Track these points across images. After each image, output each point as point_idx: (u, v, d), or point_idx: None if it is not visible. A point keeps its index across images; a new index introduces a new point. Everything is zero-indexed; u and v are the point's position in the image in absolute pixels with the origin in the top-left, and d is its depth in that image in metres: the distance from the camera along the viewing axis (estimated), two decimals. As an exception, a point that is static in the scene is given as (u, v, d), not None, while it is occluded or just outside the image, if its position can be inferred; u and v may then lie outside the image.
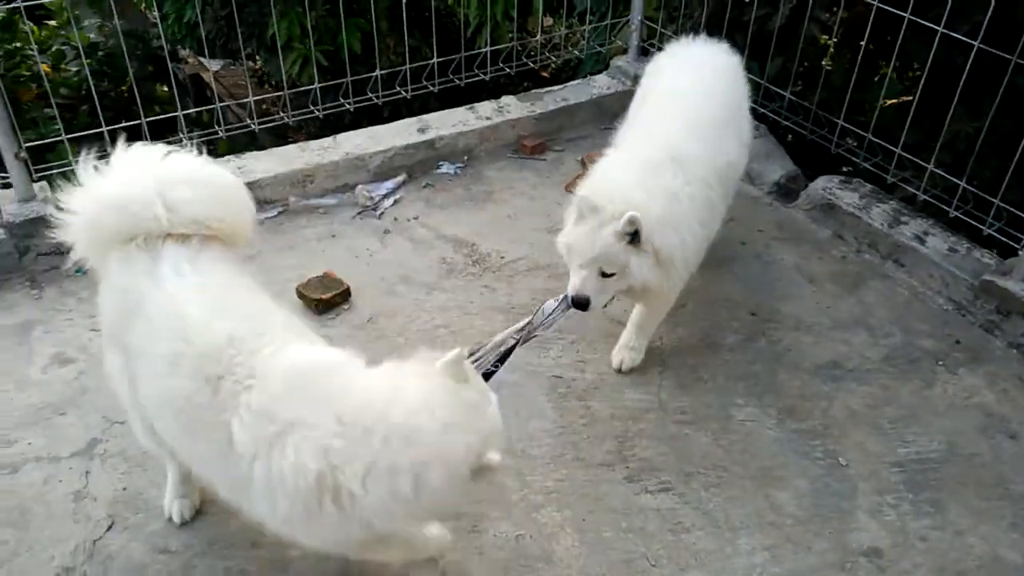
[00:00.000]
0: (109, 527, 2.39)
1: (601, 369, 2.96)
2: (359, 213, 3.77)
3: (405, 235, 3.64)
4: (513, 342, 2.38)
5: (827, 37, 4.15)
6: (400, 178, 3.94)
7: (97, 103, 3.58)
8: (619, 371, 2.95)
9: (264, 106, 4.33)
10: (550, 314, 2.52)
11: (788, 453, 2.66)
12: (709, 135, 2.76)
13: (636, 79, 4.44)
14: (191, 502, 2.41)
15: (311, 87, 3.99)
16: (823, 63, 4.30)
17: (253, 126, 3.89)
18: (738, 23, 4.11)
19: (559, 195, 3.84)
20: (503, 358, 2.33)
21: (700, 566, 2.33)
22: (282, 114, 3.99)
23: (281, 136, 5.54)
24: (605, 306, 2.71)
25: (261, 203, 3.72)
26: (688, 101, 2.88)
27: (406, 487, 1.69)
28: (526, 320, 2.47)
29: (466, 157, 4.11)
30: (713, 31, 4.10)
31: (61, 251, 3.29)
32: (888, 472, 2.59)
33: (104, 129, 3.44)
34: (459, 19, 5.16)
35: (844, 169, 4.10)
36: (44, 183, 3.40)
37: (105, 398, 2.62)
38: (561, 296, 2.55)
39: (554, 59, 4.81)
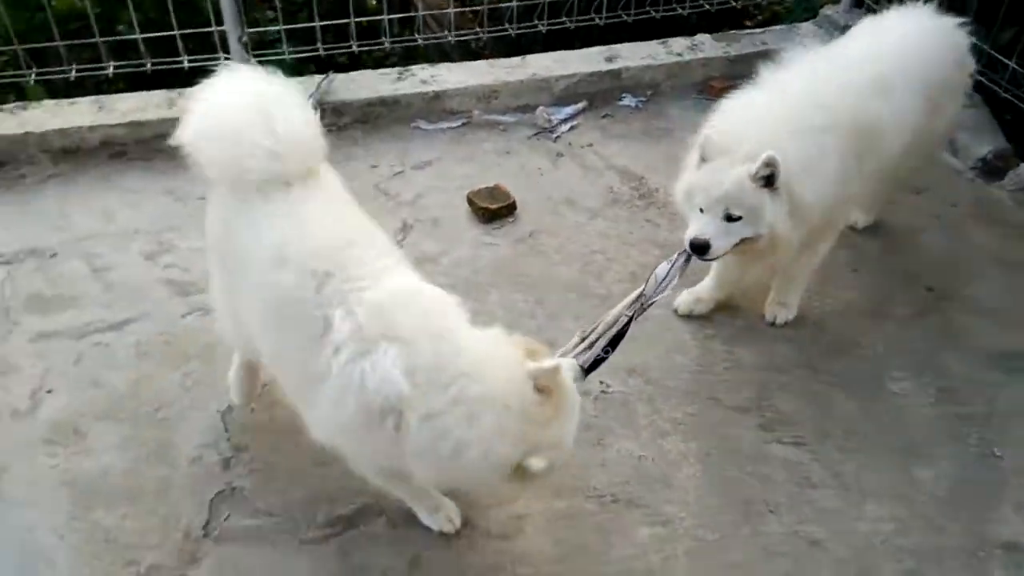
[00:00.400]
0: (277, 375, 2.68)
1: (753, 320, 2.92)
2: (536, 134, 3.85)
3: (577, 160, 3.70)
4: (627, 320, 2.26)
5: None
6: (580, 105, 3.98)
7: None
8: (772, 324, 2.89)
9: (460, 23, 4.46)
10: (664, 277, 2.35)
11: (939, 434, 2.53)
12: (868, 91, 2.53)
13: (845, 30, 4.20)
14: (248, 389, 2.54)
15: (509, 3, 4.07)
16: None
17: (449, 37, 4.04)
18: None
19: (740, 141, 3.74)
20: (615, 341, 2.22)
21: (820, 522, 2.29)
22: (478, 29, 4.12)
23: (475, 56, 5.70)
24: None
25: (448, 113, 3.92)
26: (858, 54, 2.68)
27: (445, 451, 1.77)
28: (638, 292, 2.33)
29: (650, 92, 4.08)
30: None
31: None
32: (1047, 472, 2.41)
33: (317, 24, 3.71)
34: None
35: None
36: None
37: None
38: (675, 255, 2.41)
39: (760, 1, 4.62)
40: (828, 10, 4.34)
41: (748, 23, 5.80)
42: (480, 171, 3.59)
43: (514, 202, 3.36)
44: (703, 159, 2.40)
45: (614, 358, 2.69)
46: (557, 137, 3.83)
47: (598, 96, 4.03)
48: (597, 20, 4.16)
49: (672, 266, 2.38)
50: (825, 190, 2.40)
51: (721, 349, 2.80)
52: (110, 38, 3.77)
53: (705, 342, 2.83)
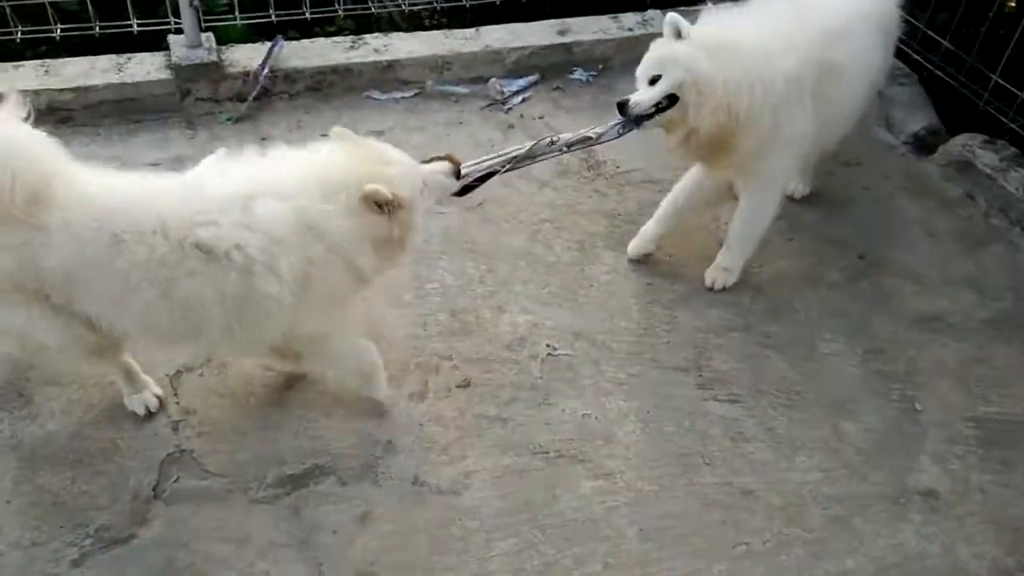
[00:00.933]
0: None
1: (693, 285, 3.02)
2: (488, 105, 3.90)
3: (528, 132, 3.74)
4: (528, 148, 2.65)
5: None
6: (533, 77, 4.03)
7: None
8: (710, 289, 3.00)
9: (408, 9, 4.45)
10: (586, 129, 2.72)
11: (865, 391, 2.67)
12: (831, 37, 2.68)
13: (790, 7, 4.31)
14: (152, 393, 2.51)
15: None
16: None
17: (404, 7, 4.05)
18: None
19: (685, 115, 3.83)
20: (513, 161, 2.61)
21: (753, 473, 2.42)
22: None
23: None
24: (649, 115, 2.62)
25: (400, 83, 3.93)
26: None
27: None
28: (522, 147, 2.65)
29: (600, 66, 4.14)
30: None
31: (217, 99, 3.70)
32: (962, 425, 2.57)
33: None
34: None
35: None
36: (210, 34, 3.70)
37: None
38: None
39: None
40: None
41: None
42: (432, 141, 3.62)
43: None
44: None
45: (561, 322, 2.81)
46: (509, 109, 3.88)
47: (550, 69, 4.09)
48: (549, -9, 4.21)
49: (604, 126, 2.71)
50: (757, 90, 2.53)
51: (663, 313, 2.90)
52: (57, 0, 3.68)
53: (647, 307, 2.93)
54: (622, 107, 2.60)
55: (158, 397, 2.47)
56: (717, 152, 2.66)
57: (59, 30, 3.63)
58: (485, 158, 2.57)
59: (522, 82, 4.01)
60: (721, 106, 2.52)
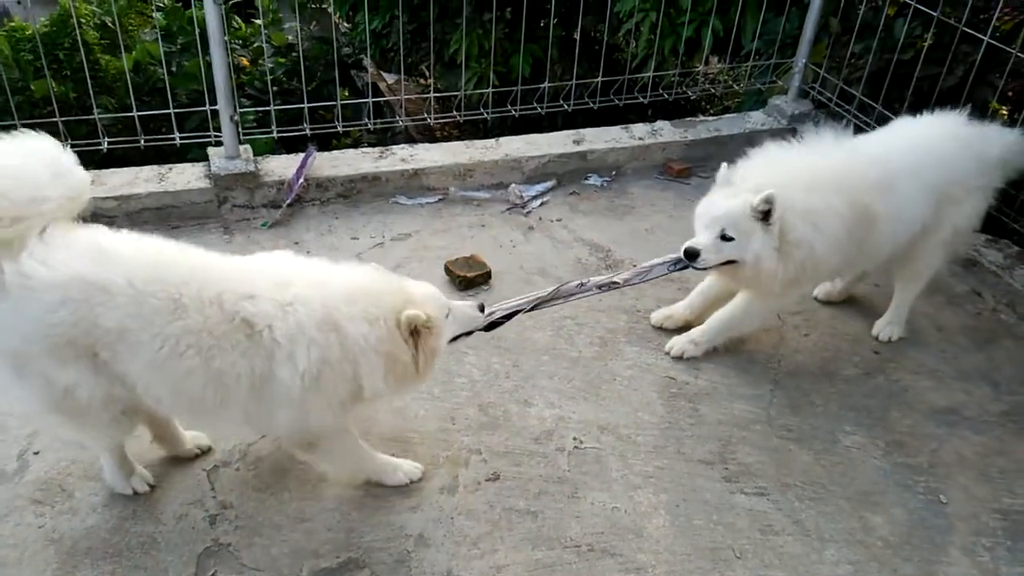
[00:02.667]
0: (263, 435, 2.78)
1: (714, 378, 3.11)
2: (508, 209, 4.09)
3: (547, 234, 3.92)
4: (576, 287, 2.88)
5: (1001, 106, 4.13)
6: (550, 183, 4.24)
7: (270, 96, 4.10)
8: (669, 354, 3.15)
9: (433, 121, 4.75)
10: (646, 268, 2.90)
11: (889, 483, 2.71)
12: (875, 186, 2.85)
13: (792, 119, 4.58)
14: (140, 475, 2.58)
15: (485, 91, 4.35)
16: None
17: (430, 120, 4.32)
18: (903, 78, 4.16)
19: (698, 217, 4.02)
20: (509, 316, 2.75)
21: (783, 567, 2.43)
22: (455, 113, 4.40)
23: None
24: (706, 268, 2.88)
25: (425, 189, 4.15)
26: (880, 149, 2.99)
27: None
28: (612, 276, 2.91)
29: (614, 172, 4.37)
30: (877, 82, 4.20)
31: (252, 206, 3.89)
32: (989, 517, 2.59)
33: (305, 105, 3.95)
34: (627, 55, 5.43)
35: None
36: (248, 146, 3.94)
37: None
38: (669, 256, 2.90)
39: (714, 91, 4.99)
40: (776, 100, 4.72)
41: (710, 109, 6.26)
42: (456, 243, 3.79)
43: (489, 271, 3.56)
44: (717, 185, 2.81)
45: (586, 415, 2.88)
46: (528, 212, 4.07)
47: (566, 175, 4.31)
48: (565, 106, 4.47)
49: (660, 263, 2.90)
50: (819, 245, 2.73)
51: (686, 406, 2.97)
52: (105, 115, 3.94)
53: (670, 400, 3.00)
54: (691, 256, 2.81)
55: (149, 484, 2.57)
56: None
57: (107, 142, 3.86)
58: (514, 299, 2.80)
59: (540, 187, 4.22)
60: (784, 275, 2.78)
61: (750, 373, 3.13)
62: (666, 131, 4.49)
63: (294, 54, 7.73)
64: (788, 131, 4.59)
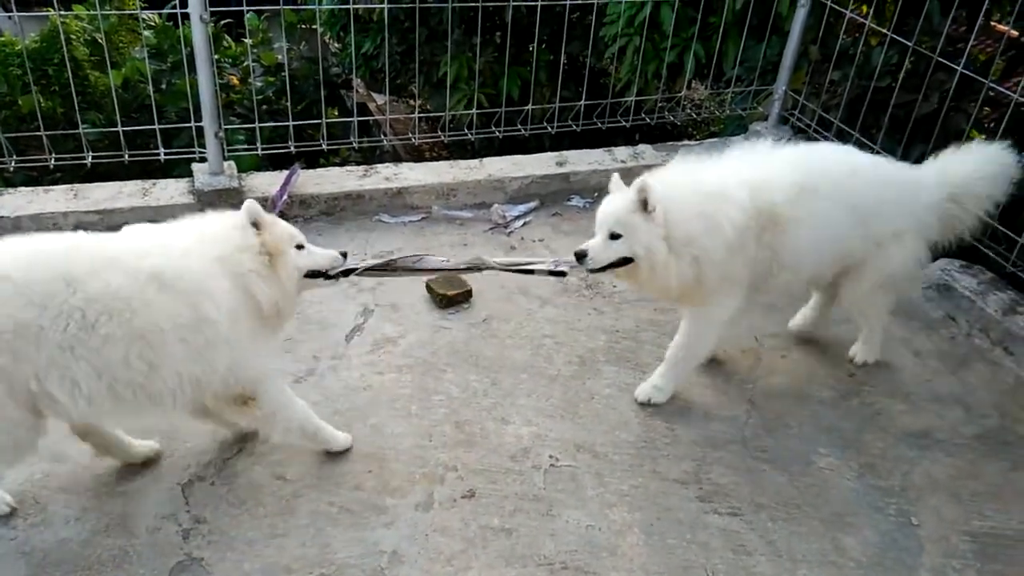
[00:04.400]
0: (239, 450, 2.77)
1: (691, 398, 3.13)
2: (491, 228, 4.13)
3: (529, 253, 3.95)
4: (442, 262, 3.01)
5: (977, 132, 4.20)
6: (533, 204, 4.28)
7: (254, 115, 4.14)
8: (637, 400, 3.08)
9: (418, 141, 4.81)
10: (532, 264, 3.02)
11: (861, 504, 2.73)
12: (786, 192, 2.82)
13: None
14: None
15: (469, 112, 4.41)
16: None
17: (414, 140, 4.36)
18: (880, 105, 4.24)
19: (678, 239, 4.07)
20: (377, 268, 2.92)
21: (755, 586, 2.44)
22: (440, 133, 4.45)
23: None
24: (602, 269, 2.82)
25: (409, 208, 4.18)
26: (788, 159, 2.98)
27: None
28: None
29: (596, 194, 4.41)
30: (855, 109, 4.28)
31: (237, 221, 3.90)
32: (959, 539, 2.61)
33: (290, 123, 3.99)
34: (612, 79, 5.54)
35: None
36: (232, 162, 3.96)
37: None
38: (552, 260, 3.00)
39: (696, 116, 5.07)
40: (757, 126, 4.80)
41: (688, 140, 6.34)
42: (438, 262, 3.81)
43: (470, 290, 3.58)
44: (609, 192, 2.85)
45: (563, 434, 2.90)
46: (510, 232, 4.11)
47: (549, 196, 4.35)
48: (549, 128, 4.52)
49: (542, 265, 3.03)
50: (710, 241, 2.70)
51: (662, 426, 2.99)
52: (90, 129, 3.96)
53: (647, 420, 3.02)
54: (580, 257, 2.80)
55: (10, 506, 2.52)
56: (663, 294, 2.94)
57: (91, 156, 3.88)
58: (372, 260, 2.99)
59: (523, 208, 4.26)
60: (680, 273, 2.73)
61: (726, 394, 3.16)
62: (648, 154, 4.55)
63: (283, 73, 7.79)
64: (768, 156, 4.66)
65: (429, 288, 3.56)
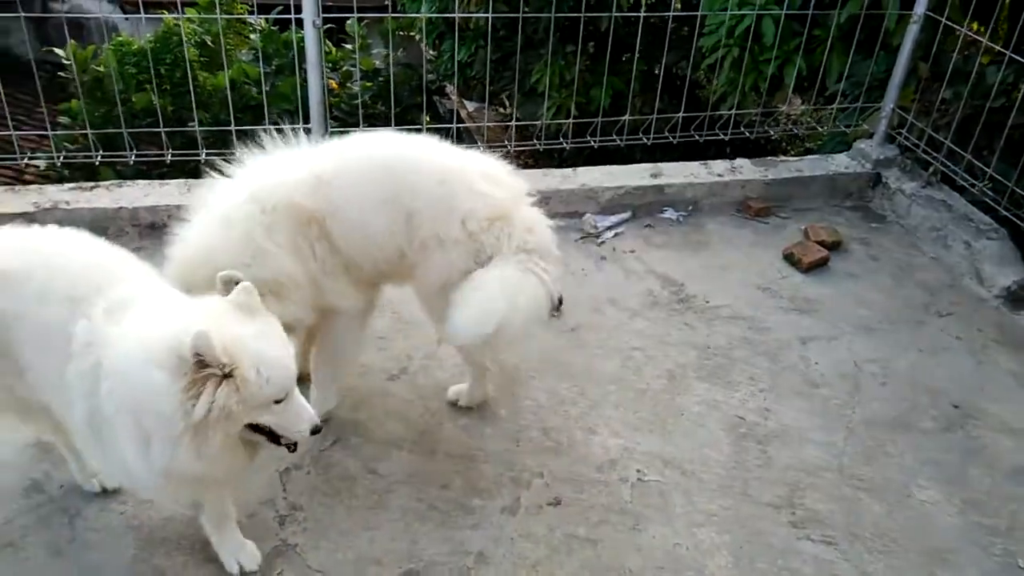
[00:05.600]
0: (334, 442, 2.85)
1: (786, 421, 3.06)
2: (582, 238, 4.13)
3: (619, 264, 3.94)
4: None
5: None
6: (625, 215, 4.26)
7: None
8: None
9: (514, 148, 4.82)
10: None
11: (964, 542, 2.61)
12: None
13: (877, 163, 4.52)
14: None
15: (566, 121, 4.43)
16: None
17: (511, 148, 4.40)
18: (995, 126, 4.06)
19: (775, 257, 4.00)
20: None
21: (849, 618, 2.37)
22: (536, 143, 4.48)
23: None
24: None
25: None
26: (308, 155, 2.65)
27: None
28: None
29: (690, 207, 4.36)
30: (967, 129, 4.11)
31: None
32: (1073, 586, 2.47)
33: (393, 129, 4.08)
34: (708, 92, 5.47)
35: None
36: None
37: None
38: None
39: (796, 132, 4.96)
40: (861, 143, 4.66)
41: (782, 155, 6.21)
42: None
43: (561, 298, 3.58)
44: None
45: (651, 448, 2.88)
46: (601, 242, 4.10)
47: (641, 207, 4.33)
48: (644, 140, 4.50)
49: None
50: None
51: (754, 448, 2.93)
52: (206, 128, 4.15)
53: (739, 441, 2.96)
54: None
55: None
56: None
57: (170, 154, 4.04)
58: None
59: (615, 218, 4.24)
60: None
61: (823, 418, 3.08)
62: (746, 169, 4.47)
63: (380, 79, 7.98)
64: (872, 176, 4.53)
65: None
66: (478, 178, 2.62)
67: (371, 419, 2.95)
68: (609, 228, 4.18)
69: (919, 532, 2.65)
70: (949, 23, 4.25)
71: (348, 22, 7.42)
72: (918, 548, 2.59)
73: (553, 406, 3.08)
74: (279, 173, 2.56)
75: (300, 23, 3.70)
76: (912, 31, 4.30)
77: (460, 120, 9.11)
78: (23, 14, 3.69)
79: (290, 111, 6.33)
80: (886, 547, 2.59)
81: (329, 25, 8.03)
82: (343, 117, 7.13)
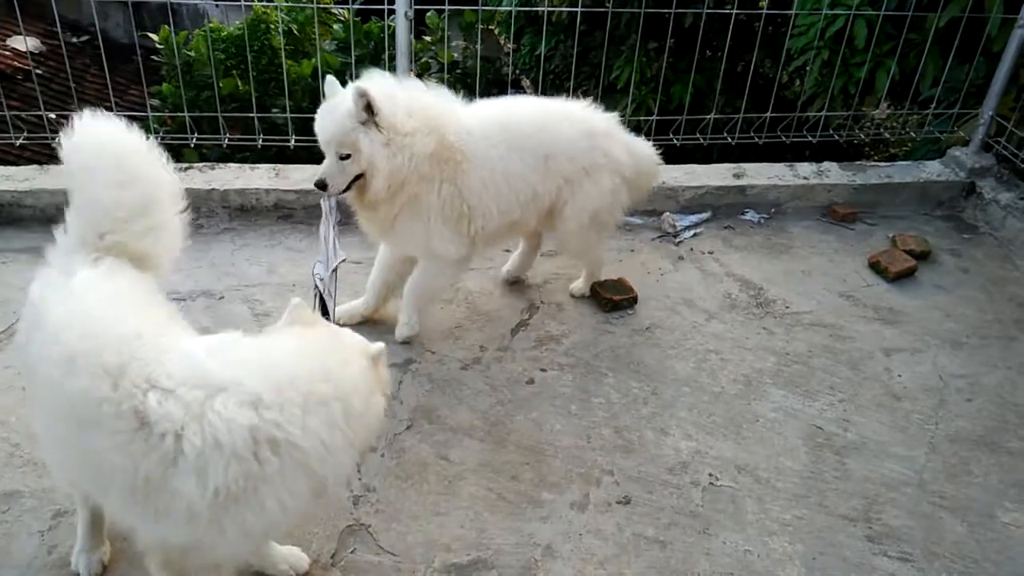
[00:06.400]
0: (408, 427, 2.91)
1: (866, 433, 2.98)
2: (660, 237, 4.09)
3: (697, 265, 3.90)
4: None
5: None
6: (705, 215, 4.21)
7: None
8: (398, 341, 3.27)
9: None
10: (329, 239, 2.92)
11: (1053, 570, 2.51)
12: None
13: (971, 172, 4.35)
14: (99, 557, 2.32)
15: (649, 119, 4.39)
16: None
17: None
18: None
19: (860, 264, 3.90)
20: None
21: (926, 640, 2.30)
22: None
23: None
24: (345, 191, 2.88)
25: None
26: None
27: (337, 414, 1.83)
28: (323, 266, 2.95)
29: (773, 209, 4.28)
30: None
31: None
32: None
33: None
34: (792, 92, 5.34)
35: None
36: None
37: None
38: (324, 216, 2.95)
39: (889, 136, 4.81)
40: (956, 151, 4.49)
41: (865, 160, 6.03)
42: (605, 269, 3.82)
43: (636, 296, 3.57)
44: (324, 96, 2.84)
45: (724, 453, 2.85)
46: (680, 242, 4.06)
47: (722, 208, 4.26)
48: (729, 139, 4.43)
49: (327, 225, 2.93)
50: (420, 147, 2.82)
51: (832, 459, 2.87)
52: (263, 114, 4.28)
53: (816, 450, 2.90)
54: (321, 187, 2.84)
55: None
56: (377, 212, 2.96)
57: (261, 139, 4.19)
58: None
59: (694, 218, 4.19)
60: (389, 182, 2.83)
61: (904, 432, 2.99)
62: (833, 173, 4.36)
63: (458, 71, 8.05)
64: (966, 185, 4.36)
65: (595, 291, 3.58)
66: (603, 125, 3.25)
67: (444, 406, 3.00)
68: (688, 228, 4.14)
69: (1003, 555, 2.55)
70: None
71: (428, 14, 7.50)
72: (1000, 571, 2.49)
73: (625, 404, 3.07)
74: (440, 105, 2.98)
75: (386, 14, 3.76)
76: (1016, 36, 4.12)
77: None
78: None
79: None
80: (967, 568, 2.50)
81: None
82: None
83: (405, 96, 2.85)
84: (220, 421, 1.72)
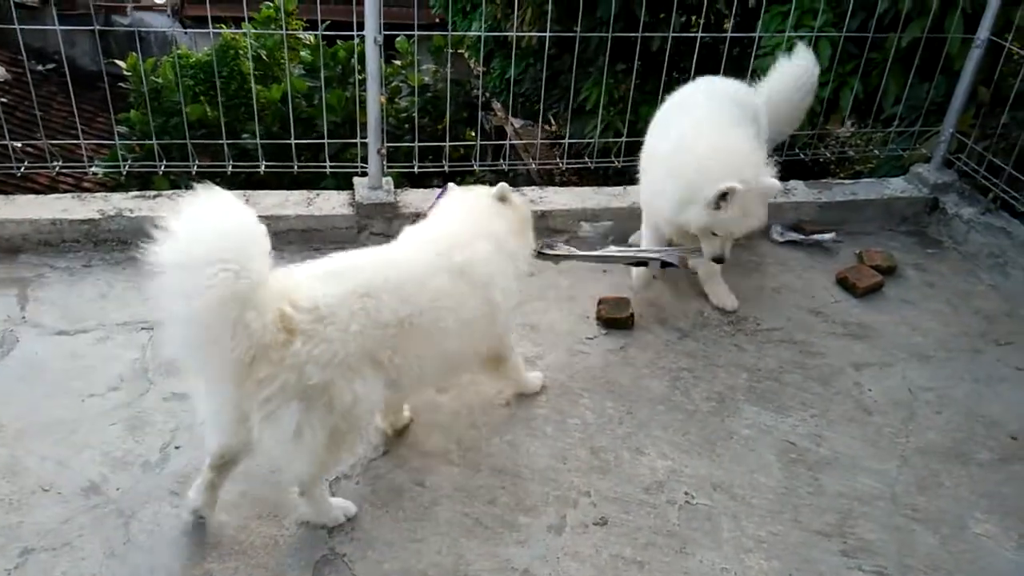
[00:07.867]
0: (384, 453, 2.88)
1: (838, 448, 3.01)
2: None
3: (670, 282, 3.92)
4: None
5: None
6: (676, 234, 4.25)
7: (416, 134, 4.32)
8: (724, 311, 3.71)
9: (565, 166, 4.89)
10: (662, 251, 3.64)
11: (1023, 579, 2.54)
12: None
13: (934, 188, 4.45)
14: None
15: (590, 141, 4.44)
16: None
17: (562, 165, 4.43)
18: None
19: (828, 282, 3.95)
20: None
21: (902, 653, 2.32)
22: (559, 160, 4.50)
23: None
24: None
25: (551, 231, 4.22)
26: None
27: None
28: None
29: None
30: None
31: (389, 235, 4.08)
32: None
33: (447, 144, 4.13)
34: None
35: None
36: (389, 178, 4.15)
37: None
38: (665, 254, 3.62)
39: (853, 154, 4.90)
40: (918, 168, 4.58)
41: (831, 178, 6.14)
42: (575, 284, 3.84)
43: (632, 315, 3.58)
44: (719, 206, 3.24)
45: (700, 471, 2.85)
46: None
47: (691, 228, 4.29)
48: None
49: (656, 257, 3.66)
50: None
51: (806, 474, 2.89)
52: (233, 140, 4.29)
53: (789, 466, 2.92)
54: (720, 260, 3.45)
55: None
56: None
57: (231, 166, 4.19)
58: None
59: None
60: None
61: (876, 446, 3.02)
62: (799, 191, 4.43)
63: (428, 94, 8.08)
64: (929, 201, 4.45)
65: (600, 304, 3.62)
66: None
67: (419, 431, 2.98)
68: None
69: (974, 566, 2.58)
70: (1016, 48, 4.17)
71: (397, 39, 7.53)
72: (975, 584, 2.52)
73: (600, 424, 3.08)
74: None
75: (355, 38, 3.77)
76: (975, 56, 4.23)
77: (503, 136, 9.19)
78: (96, 27, 3.83)
79: (337, 123, 6.45)
80: (941, 581, 2.53)
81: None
82: (390, 131, 7.24)
83: None
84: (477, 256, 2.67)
